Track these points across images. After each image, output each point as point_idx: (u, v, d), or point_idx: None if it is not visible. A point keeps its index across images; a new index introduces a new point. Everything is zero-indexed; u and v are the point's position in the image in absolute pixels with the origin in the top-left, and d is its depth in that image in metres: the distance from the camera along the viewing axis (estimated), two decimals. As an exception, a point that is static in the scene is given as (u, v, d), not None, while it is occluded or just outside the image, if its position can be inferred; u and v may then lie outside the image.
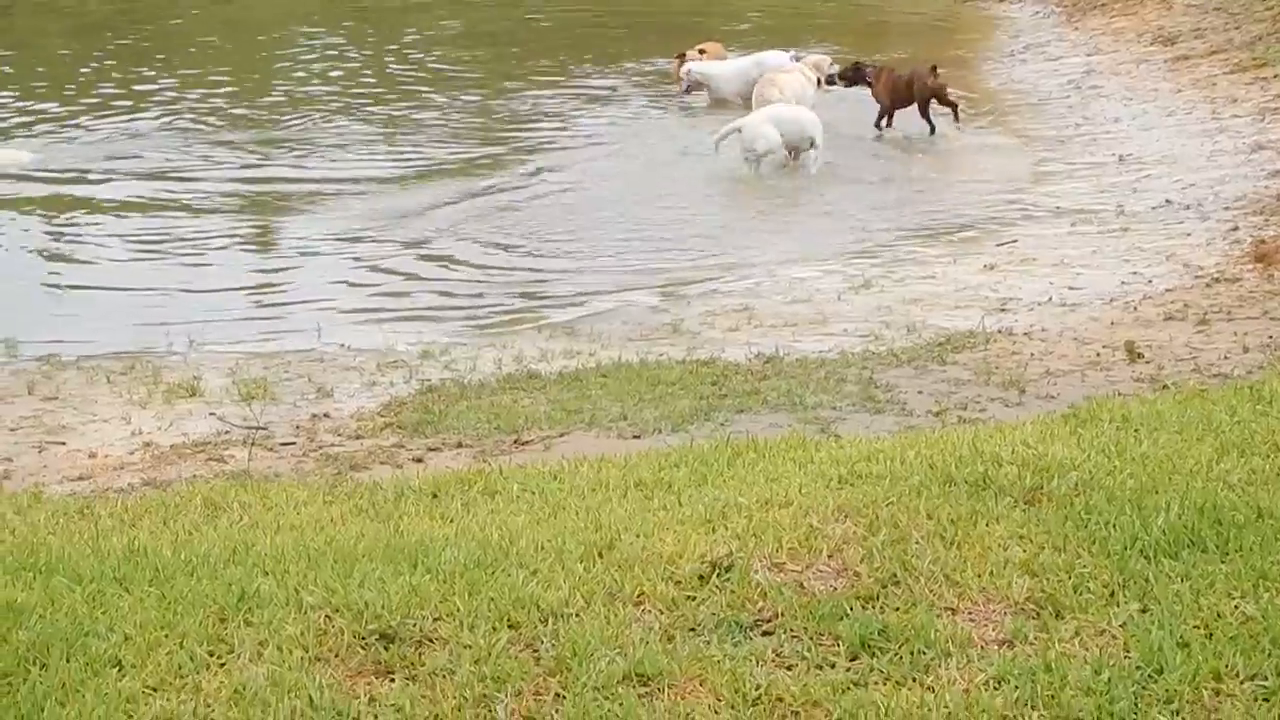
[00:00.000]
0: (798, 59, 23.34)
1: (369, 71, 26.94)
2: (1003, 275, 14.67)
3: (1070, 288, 14.04)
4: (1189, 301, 13.06)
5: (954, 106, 21.60)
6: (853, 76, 22.25)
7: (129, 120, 22.97)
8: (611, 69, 26.04)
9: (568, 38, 29.41)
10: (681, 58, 24.63)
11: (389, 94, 24.97)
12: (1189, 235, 15.44)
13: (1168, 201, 16.86)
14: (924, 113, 21.43)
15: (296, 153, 21.17)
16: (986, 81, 25.13)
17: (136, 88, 25.27)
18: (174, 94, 24.84)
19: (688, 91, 23.62)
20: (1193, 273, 14.08)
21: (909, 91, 21.55)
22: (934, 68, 21.50)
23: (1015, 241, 15.99)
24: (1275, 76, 21.35)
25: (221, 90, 25.28)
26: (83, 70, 26.91)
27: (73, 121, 22.91)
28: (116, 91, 24.99)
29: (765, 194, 18.76)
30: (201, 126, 22.68)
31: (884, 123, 21.86)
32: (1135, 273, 14.33)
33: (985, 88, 24.65)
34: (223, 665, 5.34)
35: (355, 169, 20.26)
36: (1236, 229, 15.32)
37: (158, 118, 23.17)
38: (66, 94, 24.99)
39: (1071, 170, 19.11)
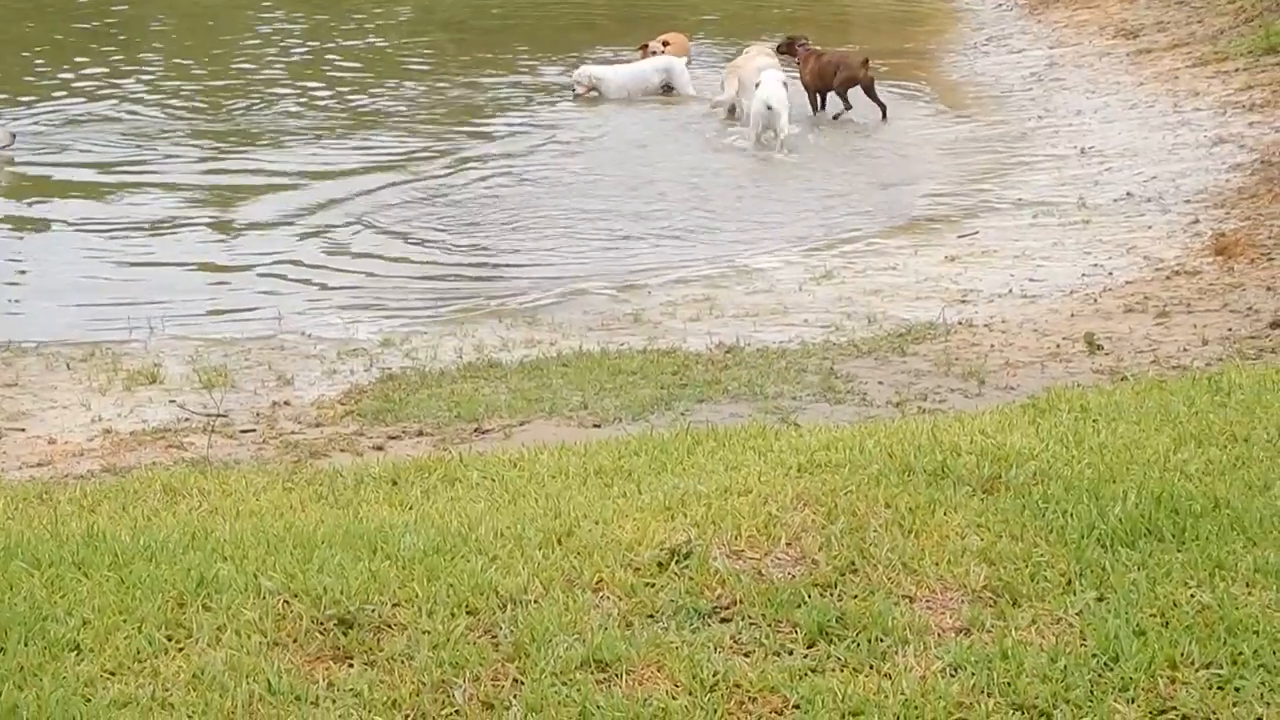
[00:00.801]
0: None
1: (322, 59, 26.80)
2: (964, 267, 14.72)
3: (1031, 279, 14.09)
4: (1149, 294, 13.11)
5: (883, 108, 21.77)
6: (786, 50, 22.51)
7: (81, 107, 22.78)
8: (569, 59, 25.95)
9: (524, 27, 29.34)
10: (644, 49, 24.61)
11: (343, 82, 24.86)
12: (1150, 228, 15.50)
13: (1129, 194, 16.91)
14: (842, 95, 21.87)
15: (250, 142, 21.07)
16: (949, 74, 25.17)
17: (86, 74, 25.05)
18: (124, 82, 24.63)
19: (577, 95, 23.44)
20: (1153, 265, 14.14)
21: (835, 76, 21.81)
22: (865, 60, 21.75)
23: (976, 233, 16.04)
24: (1237, 70, 21.42)
25: (172, 78, 25.11)
26: (28, 54, 26.66)
27: (22, 107, 22.72)
28: (66, 77, 24.76)
29: (726, 185, 18.77)
30: (155, 115, 22.53)
31: (819, 107, 22.33)
32: (1096, 265, 14.39)
33: (947, 80, 24.68)
34: (181, 650, 5.34)
35: (310, 158, 20.16)
36: (1197, 222, 15.38)
37: (109, 106, 22.99)
38: (11, 80, 24.79)
39: (1033, 162, 19.16)
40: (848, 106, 21.74)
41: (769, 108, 19.89)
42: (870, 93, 21.71)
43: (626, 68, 24.07)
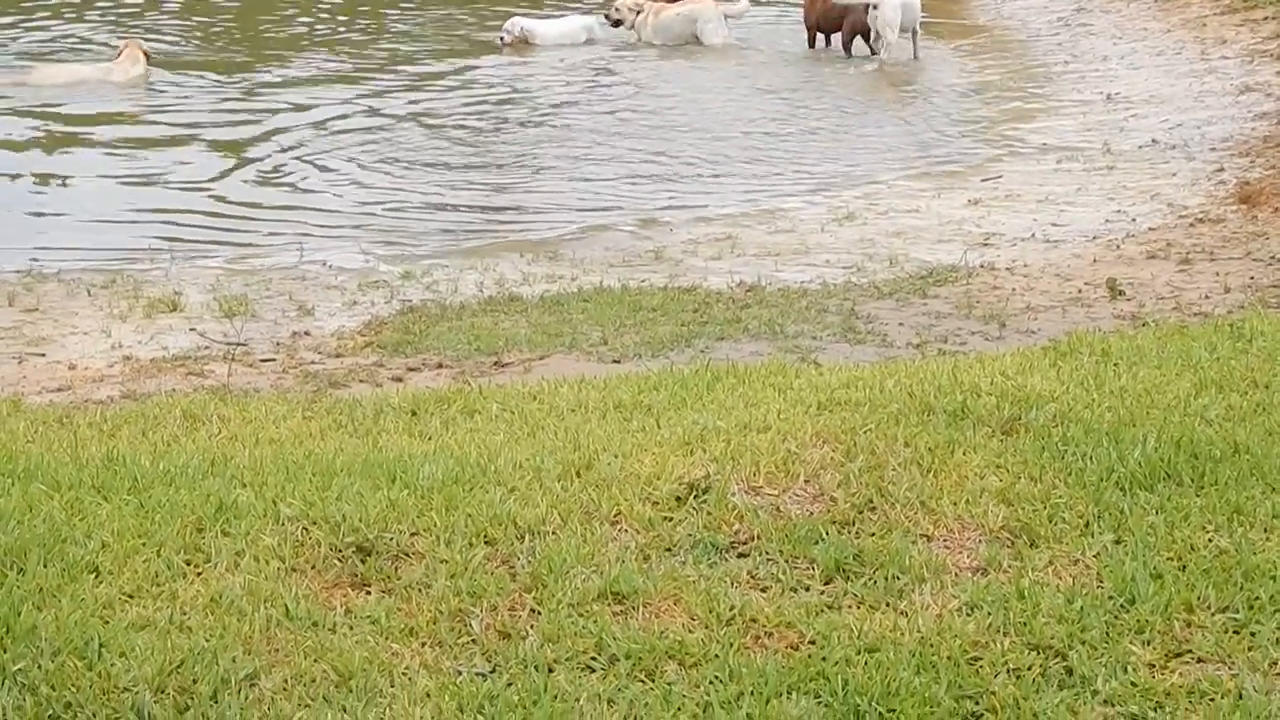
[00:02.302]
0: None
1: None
2: (987, 210, 14.68)
3: (1054, 224, 14.05)
4: (1172, 241, 13.07)
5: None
6: None
7: (83, 40, 22.72)
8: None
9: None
10: None
11: (360, 11, 24.74)
12: (1174, 175, 15.45)
13: (1154, 141, 16.85)
14: (845, 45, 22.45)
15: (264, 73, 21.02)
16: (976, 17, 25.09)
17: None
18: (139, 15, 24.54)
19: (505, 46, 23.12)
20: (1177, 212, 14.09)
21: (840, 20, 22.06)
22: (868, 6, 21.88)
23: (1000, 177, 16.00)
24: (1265, 19, 21.32)
25: (191, 10, 25.04)
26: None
27: (29, 38, 22.65)
28: (65, 5, 24.69)
29: (751, 124, 18.73)
30: (171, 47, 22.48)
31: (812, 45, 22.98)
32: (1119, 211, 14.34)
33: (975, 23, 24.61)
34: (199, 574, 5.36)
35: (329, 91, 20.09)
36: (1222, 170, 15.33)
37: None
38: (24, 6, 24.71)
39: (1059, 107, 19.11)
40: (848, 55, 21.90)
41: (873, 6, 20.98)
42: (866, 38, 21.97)
43: (556, 24, 23.97)
